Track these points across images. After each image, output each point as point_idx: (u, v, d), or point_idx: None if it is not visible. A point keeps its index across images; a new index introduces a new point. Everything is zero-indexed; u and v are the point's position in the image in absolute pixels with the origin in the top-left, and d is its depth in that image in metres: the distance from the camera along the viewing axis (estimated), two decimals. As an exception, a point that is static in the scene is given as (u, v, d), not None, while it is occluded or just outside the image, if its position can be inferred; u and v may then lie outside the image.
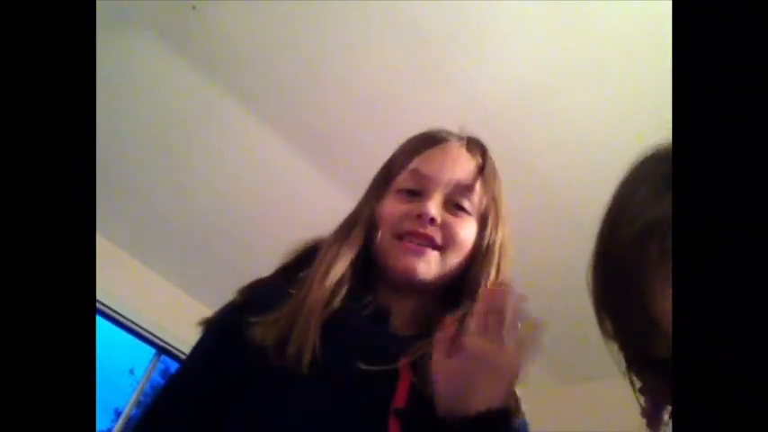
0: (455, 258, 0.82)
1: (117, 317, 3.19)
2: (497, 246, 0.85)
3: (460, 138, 0.89)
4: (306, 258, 0.86)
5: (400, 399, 0.72)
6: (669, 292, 0.48)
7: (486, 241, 0.84)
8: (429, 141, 0.88)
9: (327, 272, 0.79)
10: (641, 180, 0.54)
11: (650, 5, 1.65)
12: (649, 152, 0.56)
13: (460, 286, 0.83)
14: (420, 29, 1.81)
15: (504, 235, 0.87)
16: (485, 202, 0.85)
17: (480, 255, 0.84)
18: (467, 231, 0.83)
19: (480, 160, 0.87)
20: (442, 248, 0.81)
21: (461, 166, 0.85)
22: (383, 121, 2.02)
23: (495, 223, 0.86)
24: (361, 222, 0.84)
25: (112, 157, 2.28)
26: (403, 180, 0.84)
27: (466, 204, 0.83)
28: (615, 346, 0.55)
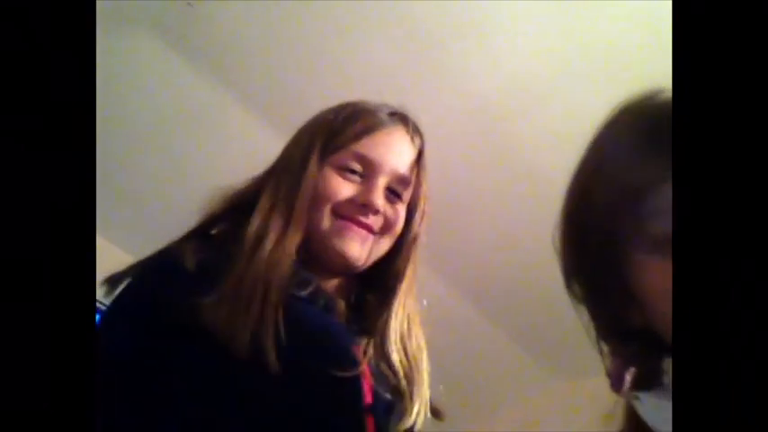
0: (386, 245, 0.84)
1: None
2: (420, 235, 0.87)
3: (404, 122, 0.89)
4: (223, 216, 0.83)
5: (368, 395, 0.72)
6: (647, 262, 0.47)
7: (414, 231, 0.86)
8: (374, 125, 0.86)
9: (279, 249, 0.75)
10: (619, 138, 0.52)
11: (650, 2, 1.64)
12: (626, 105, 0.54)
13: (380, 270, 0.84)
14: (418, 25, 1.81)
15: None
16: (418, 191, 0.86)
17: (407, 243, 0.85)
18: (401, 220, 0.84)
19: (420, 148, 0.88)
20: (377, 234, 0.82)
21: (405, 155, 0.86)
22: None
23: (423, 213, 0.87)
24: (304, 195, 0.80)
25: (108, 155, 2.28)
26: (345, 158, 0.83)
27: (403, 193, 0.85)
28: (584, 311, 0.54)
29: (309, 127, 0.89)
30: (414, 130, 0.89)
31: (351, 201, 0.81)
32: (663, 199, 0.44)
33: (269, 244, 0.75)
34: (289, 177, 0.83)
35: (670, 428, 0.42)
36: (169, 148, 2.35)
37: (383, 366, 0.76)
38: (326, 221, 0.81)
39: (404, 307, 0.82)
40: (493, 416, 2.72)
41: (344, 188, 0.82)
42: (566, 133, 2.01)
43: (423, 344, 0.82)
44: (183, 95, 2.15)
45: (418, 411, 0.75)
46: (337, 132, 0.85)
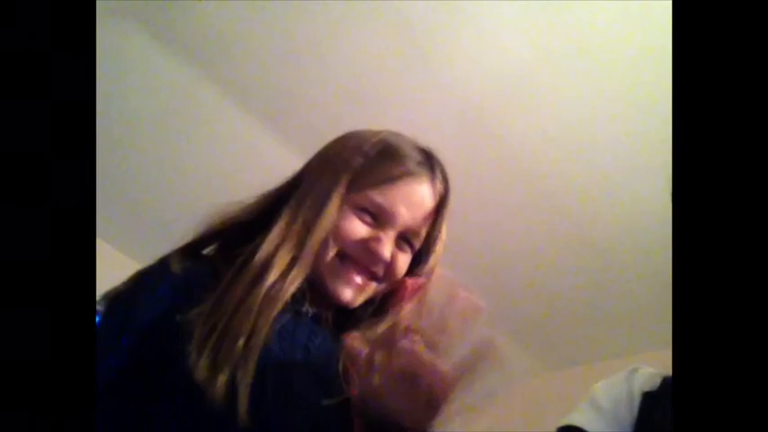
0: (388, 286, 0.82)
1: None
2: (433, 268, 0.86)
3: (430, 170, 0.87)
4: (217, 234, 0.82)
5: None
6: None
7: (425, 268, 0.84)
8: (397, 175, 0.85)
9: (278, 288, 0.74)
10: None
11: (642, 1, 1.65)
12: None
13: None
14: (404, 18, 1.81)
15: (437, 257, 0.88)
16: (433, 234, 0.85)
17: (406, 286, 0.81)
18: (406, 265, 0.83)
19: (442, 193, 0.87)
20: (380, 279, 0.82)
21: (423, 208, 0.84)
22: (369, 110, 2.00)
23: (435, 251, 0.86)
24: (319, 234, 0.80)
25: (100, 154, 2.27)
26: (363, 201, 0.82)
27: (415, 241, 0.84)
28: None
29: (336, 160, 0.87)
30: (439, 176, 0.88)
31: (360, 243, 0.81)
32: None
33: (270, 278, 0.75)
34: (307, 213, 0.82)
35: None
36: (168, 150, 2.35)
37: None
38: (330, 260, 0.80)
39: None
40: (483, 404, 2.71)
41: (358, 230, 0.81)
42: (552, 127, 2.01)
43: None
44: (182, 97, 2.15)
45: None
46: (362, 174, 0.84)
